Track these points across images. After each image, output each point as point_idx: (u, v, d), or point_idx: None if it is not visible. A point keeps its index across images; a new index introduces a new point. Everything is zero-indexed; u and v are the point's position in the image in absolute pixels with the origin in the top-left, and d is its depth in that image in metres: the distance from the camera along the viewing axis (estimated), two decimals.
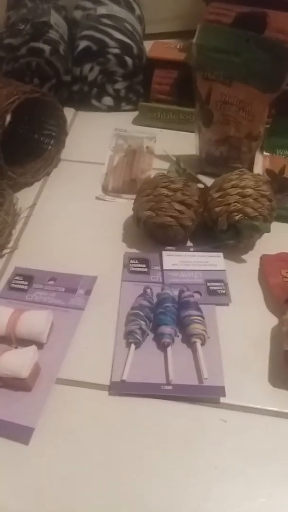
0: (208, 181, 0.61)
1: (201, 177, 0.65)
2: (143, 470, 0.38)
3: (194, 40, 0.57)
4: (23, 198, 0.64)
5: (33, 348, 0.43)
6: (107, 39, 0.75)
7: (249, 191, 0.52)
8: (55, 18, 0.78)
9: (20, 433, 0.39)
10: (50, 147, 0.69)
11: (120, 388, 0.43)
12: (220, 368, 0.44)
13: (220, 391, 0.42)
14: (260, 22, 0.68)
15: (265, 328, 0.48)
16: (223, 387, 0.43)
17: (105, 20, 0.77)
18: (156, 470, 0.38)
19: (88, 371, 0.45)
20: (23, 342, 0.45)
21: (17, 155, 0.67)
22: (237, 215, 0.52)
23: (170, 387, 0.43)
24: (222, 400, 0.42)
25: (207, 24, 0.63)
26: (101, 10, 0.80)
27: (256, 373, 0.44)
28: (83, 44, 0.75)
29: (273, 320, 0.49)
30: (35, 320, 0.45)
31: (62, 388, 0.43)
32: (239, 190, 0.52)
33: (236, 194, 0.52)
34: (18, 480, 0.38)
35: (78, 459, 0.39)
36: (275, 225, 0.57)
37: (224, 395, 0.42)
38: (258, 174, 0.56)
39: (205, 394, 0.42)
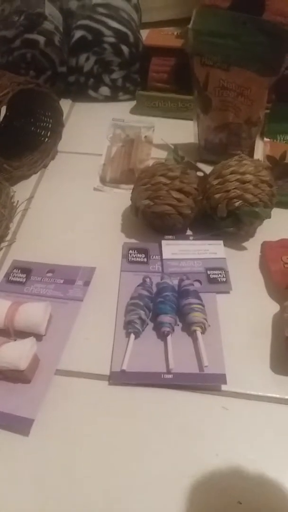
0: (208, 169, 0.60)
1: (200, 165, 0.64)
2: (144, 460, 0.38)
3: (190, 25, 0.56)
4: (21, 191, 0.63)
5: (31, 339, 0.42)
6: (102, 28, 0.74)
7: (249, 177, 0.51)
8: (49, 8, 0.77)
9: (20, 425, 0.39)
10: (47, 139, 0.68)
11: (120, 378, 0.42)
12: (221, 356, 0.44)
13: (221, 378, 0.42)
14: (258, 5, 0.67)
15: (266, 315, 0.48)
16: (224, 374, 0.42)
17: (101, 9, 0.76)
18: (158, 459, 0.38)
19: (88, 362, 0.44)
20: (22, 334, 0.45)
21: (14, 148, 0.67)
22: (237, 201, 0.51)
23: (170, 376, 0.42)
24: (223, 387, 0.42)
25: (204, 8, 0.62)
26: None
27: (257, 360, 0.44)
28: (78, 34, 0.74)
29: (274, 307, 0.48)
30: (33, 312, 0.45)
31: (61, 379, 0.43)
32: (239, 176, 0.51)
33: (235, 180, 0.51)
34: (18, 470, 0.37)
35: (78, 450, 0.38)
36: (276, 211, 0.56)
37: (225, 383, 0.42)
38: (258, 160, 0.55)
39: (206, 382, 0.42)
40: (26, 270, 0.52)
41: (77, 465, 0.38)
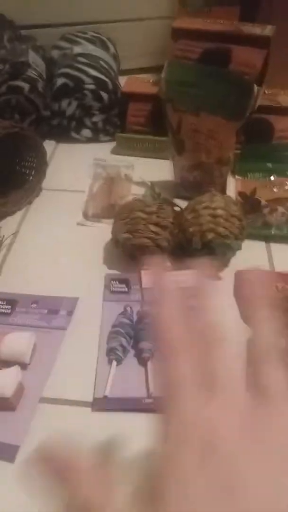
0: (184, 204, 0.64)
1: (177, 201, 0.69)
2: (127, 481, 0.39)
3: (162, 75, 0.61)
4: (6, 226, 0.66)
5: (16, 368, 0.44)
6: (83, 76, 0.79)
7: (220, 211, 0.55)
8: (33, 57, 0.83)
9: (5, 451, 0.40)
10: (31, 177, 0.72)
11: (103, 404, 0.44)
12: None
13: None
14: (225, 57, 0.74)
15: (241, 339, 0.50)
16: None
17: (81, 59, 0.82)
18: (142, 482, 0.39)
19: (72, 389, 0.46)
20: (7, 363, 0.46)
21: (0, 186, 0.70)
22: (210, 234, 0.55)
23: (150, 400, 0.44)
24: None
25: (174, 60, 0.68)
26: (77, 49, 0.85)
27: None
28: (60, 81, 0.80)
29: (248, 332, 0.51)
30: (17, 342, 0.47)
31: (46, 406, 0.44)
32: (211, 211, 0.55)
33: (207, 214, 0.55)
34: (4, 497, 0.38)
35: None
36: (248, 243, 0.60)
37: None
38: (228, 196, 0.59)
39: None
40: (12, 301, 0.54)
41: (62, 491, 0.39)
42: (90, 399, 0.45)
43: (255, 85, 0.58)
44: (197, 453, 0.20)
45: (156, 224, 0.55)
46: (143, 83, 0.83)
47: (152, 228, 0.55)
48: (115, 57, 0.92)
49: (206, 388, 0.21)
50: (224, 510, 0.18)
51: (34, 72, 0.80)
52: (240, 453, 0.19)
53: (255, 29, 0.75)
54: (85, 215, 0.68)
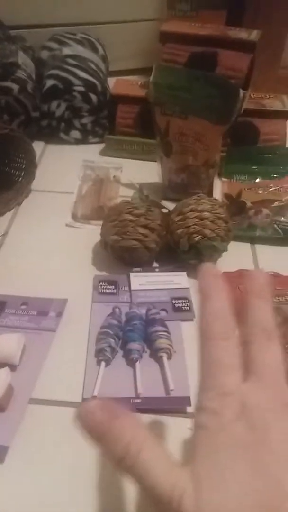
0: (172, 206, 0.65)
1: (165, 202, 0.70)
2: (117, 483, 0.40)
3: (150, 79, 0.62)
4: None
5: (6, 370, 0.45)
6: (72, 78, 0.80)
7: (206, 214, 0.56)
8: (22, 58, 0.83)
9: None
10: (20, 179, 0.72)
11: None
12: (186, 380, 0.47)
13: (186, 401, 0.45)
14: (211, 61, 0.75)
15: None
16: (189, 397, 0.45)
17: (70, 60, 0.82)
18: (129, 482, 0.40)
19: (61, 390, 0.46)
20: None
21: None
22: (197, 236, 0.56)
23: (139, 400, 0.45)
24: (188, 409, 0.45)
25: (162, 64, 0.69)
26: (66, 50, 0.85)
27: None
28: (49, 82, 0.80)
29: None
30: (6, 343, 0.47)
31: (35, 407, 0.45)
32: (197, 214, 0.56)
33: (194, 217, 0.56)
34: None
35: (53, 475, 0.40)
36: (234, 245, 0.61)
37: (189, 405, 0.45)
38: (214, 199, 0.60)
39: (172, 405, 0.45)
40: (0, 303, 0.55)
41: (52, 491, 0.39)
42: (79, 399, 0.46)
43: (241, 89, 0.59)
44: (234, 418, 0.23)
45: (145, 227, 0.56)
46: (132, 86, 0.83)
47: (141, 230, 0.56)
48: (104, 58, 0.92)
49: (248, 371, 0.26)
50: (251, 466, 0.22)
51: (23, 73, 0.80)
52: (273, 423, 0.23)
53: (241, 34, 0.76)
54: (74, 217, 0.68)
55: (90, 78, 0.80)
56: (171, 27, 0.80)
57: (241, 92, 0.58)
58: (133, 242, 0.56)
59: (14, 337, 0.48)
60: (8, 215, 0.69)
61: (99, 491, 0.39)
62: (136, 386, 0.46)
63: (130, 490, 0.39)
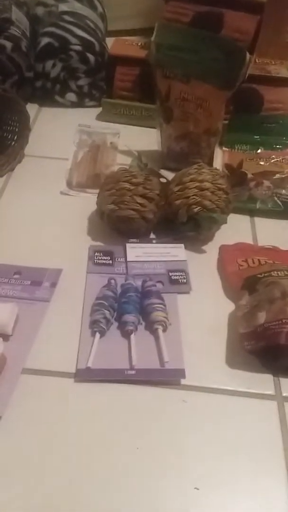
0: (170, 175, 0.63)
1: (163, 171, 0.67)
2: (109, 451, 0.40)
3: (152, 38, 0.59)
4: None
5: None
6: (69, 36, 0.75)
7: (207, 184, 0.54)
8: (16, 14, 0.78)
9: None
10: (13, 142, 0.69)
11: (85, 375, 0.45)
12: (181, 352, 0.46)
13: (180, 373, 0.45)
14: (217, 22, 0.71)
15: (223, 314, 0.51)
16: (183, 369, 0.45)
17: (67, 17, 0.78)
18: (121, 450, 0.40)
19: (54, 360, 0.46)
20: None
21: None
22: (196, 207, 0.54)
23: (133, 372, 0.45)
24: (182, 381, 0.45)
25: (165, 23, 0.65)
26: (63, 7, 0.80)
27: (214, 356, 0.47)
28: (45, 40, 0.76)
29: (230, 306, 0.52)
30: None
31: (28, 377, 0.44)
32: (197, 184, 0.54)
33: (194, 187, 0.54)
34: None
35: (45, 445, 0.40)
36: (233, 217, 0.60)
37: (184, 377, 0.45)
38: (216, 168, 0.58)
39: (166, 377, 0.45)
40: None
41: (45, 461, 0.39)
42: (72, 370, 0.45)
43: (248, 53, 0.56)
44: None
45: (143, 196, 0.54)
46: (131, 46, 0.79)
47: (138, 200, 0.54)
48: (103, 17, 0.87)
49: None
50: None
51: (17, 30, 0.75)
52: None
53: None
54: (69, 184, 0.66)
55: (88, 37, 0.76)
56: None
57: (248, 55, 0.55)
58: (130, 212, 0.54)
59: (7, 306, 0.47)
60: (0, 181, 0.67)
61: (92, 460, 0.39)
62: (131, 357, 0.45)
63: (122, 459, 0.39)
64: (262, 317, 0.45)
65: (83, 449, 0.40)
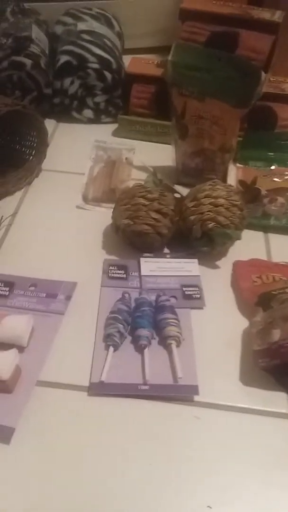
0: (185, 191, 0.64)
1: (177, 187, 0.68)
2: (121, 466, 0.40)
3: (169, 58, 0.60)
4: (5, 206, 0.65)
5: (14, 351, 0.44)
6: (87, 55, 0.77)
7: (221, 201, 0.55)
8: (36, 32, 0.81)
9: (1, 433, 0.41)
10: (31, 157, 0.71)
11: (99, 389, 0.45)
12: (194, 368, 0.46)
13: (193, 389, 0.45)
14: (232, 41, 0.72)
15: (237, 330, 0.51)
16: (197, 386, 0.45)
17: (85, 36, 0.80)
18: (133, 466, 0.40)
19: (68, 373, 0.46)
20: (4, 346, 0.46)
21: None
22: (210, 223, 0.55)
23: (146, 387, 0.45)
24: (195, 398, 0.45)
25: (181, 43, 0.66)
26: (81, 26, 0.83)
27: (228, 372, 0.47)
28: (63, 58, 0.78)
29: (244, 323, 0.51)
30: (15, 325, 0.47)
31: (42, 389, 0.45)
32: (212, 200, 0.55)
33: (209, 203, 0.55)
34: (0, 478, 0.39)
35: (58, 457, 0.40)
36: (247, 233, 0.60)
37: (197, 394, 0.44)
38: (230, 185, 0.59)
39: (179, 393, 0.45)
40: (9, 283, 0.54)
41: (57, 473, 0.39)
42: (86, 383, 0.45)
43: (263, 72, 0.57)
44: None
45: (157, 211, 0.55)
46: (147, 64, 0.81)
47: (153, 215, 0.54)
48: (120, 35, 0.90)
49: None
50: None
51: (37, 48, 0.78)
52: None
53: (264, 14, 0.73)
54: (85, 199, 0.67)
55: (105, 55, 0.78)
56: (192, 4, 0.77)
57: (263, 74, 0.56)
58: (145, 226, 0.55)
59: (23, 318, 0.47)
60: (18, 194, 0.68)
61: (104, 475, 0.39)
62: (144, 372, 0.46)
63: (134, 474, 0.39)
64: (276, 334, 0.45)
65: (95, 464, 0.40)
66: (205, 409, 0.44)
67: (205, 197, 0.55)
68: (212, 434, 0.42)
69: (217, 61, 0.58)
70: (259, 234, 0.63)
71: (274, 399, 0.45)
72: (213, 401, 0.45)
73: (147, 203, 0.55)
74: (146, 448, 0.41)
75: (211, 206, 0.55)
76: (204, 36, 0.74)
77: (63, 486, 0.39)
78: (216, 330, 0.51)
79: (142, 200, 0.55)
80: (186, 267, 0.57)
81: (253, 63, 0.60)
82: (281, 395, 0.45)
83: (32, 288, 0.54)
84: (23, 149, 0.72)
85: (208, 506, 0.38)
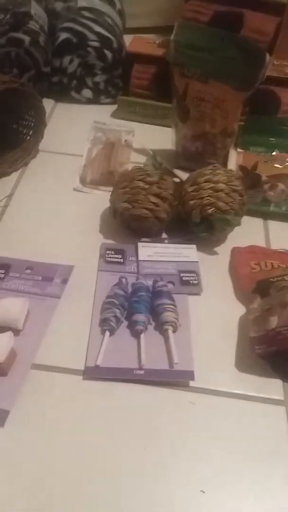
0: (184, 175, 0.63)
1: (177, 171, 0.67)
2: (115, 451, 0.40)
3: (172, 37, 0.58)
4: (1, 188, 0.64)
5: (9, 333, 0.44)
6: (87, 32, 0.75)
7: (222, 186, 0.54)
8: (35, 8, 0.78)
9: None
10: (28, 137, 0.69)
11: (94, 373, 0.44)
12: (190, 354, 0.46)
13: (189, 375, 0.45)
14: (237, 22, 0.71)
15: (234, 316, 0.51)
16: (193, 371, 0.45)
17: (86, 13, 0.78)
18: (127, 450, 0.40)
19: (63, 357, 0.46)
20: (0, 329, 0.46)
21: None
22: (210, 208, 0.54)
23: (142, 372, 0.45)
24: (191, 383, 0.45)
25: (185, 22, 0.64)
26: (82, 2, 0.80)
27: (224, 358, 0.47)
28: (63, 36, 0.76)
29: (241, 309, 0.51)
30: (11, 307, 0.46)
31: (37, 373, 0.45)
32: (212, 185, 0.54)
33: (209, 188, 0.54)
34: None
35: (52, 440, 0.40)
36: (246, 219, 0.59)
37: (193, 379, 0.44)
38: (231, 170, 0.58)
39: (175, 378, 0.45)
40: (5, 266, 0.53)
41: (51, 456, 0.39)
42: (81, 367, 0.45)
43: (267, 54, 0.55)
44: None
45: (157, 195, 0.54)
46: (149, 44, 0.79)
47: (152, 199, 0.54)
48: (121, 13, 0.87)
49: None
50: None
51: (35, 24, 0.75)
52: None
53: None
54: (82, 181, 0.66)
55: (106, 34, 0.76)
56: None
57: (268, 57, 0.54)
58: (144, 211, 0.54)
59: (19, 301, 0.47)
60: (14, 175, 0.67)
61: (98, 459, 0.39)
62: (140, 357, 0.45)
63: (129, 458, 0.39)
64: (274, 321, 0.44)
65: (89, 447, 0.40)
66: (200, 395, 0.44)
67: (205, 182, 0.54)
68: (206, 419, 0.42)
69: (221, 41, 0.56)
70: (259, 221, 0.63)
71: (269, 386, 0.45)
72: (208, 386, 0.45)
73: (146, 186, 0.54)
74: (140, 432, 0.41)
75: (211, 191, 0.54)
76: (207, 15, 0.72)
77: (57, 469, 0.39)
78: (213, 316, 0.50)
79: (141, 184, 0.54)
80: (184, 252, 0.56)
81: (258, 45, 0.58)
82: (276, 382, 0.45)
83: (28, 271, 0.53)
84: (20, 128, 0.70)
85: (201, 491, 0.38)
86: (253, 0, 0.71)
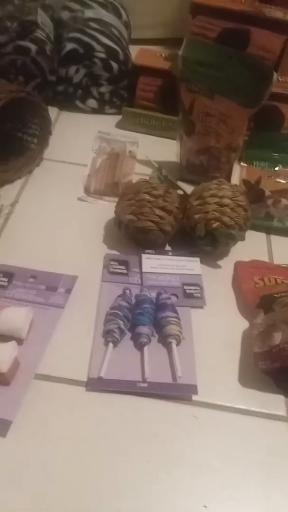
0: (188, 188, 0.63)
1: (181, 184, 0.68)
2: (118, 463, 0.40)
3: (180, 52, 0.59)
4: (5, 195, 0.64)
5: (13, 343, 0.44)
6: (94, 43, 0.76)
7: (227, 200, 0.54)
8: (42, 17, 0.79)
9: None
10: (33, 145, 0.70)
11: (97, 384, 0.44)
12: (193, 368, 0.46)
13: (192, 389, 0.45)
14: (244, 39, 0.72)
15: (237, 331, 0.51)
16: (196, 385, 0.45)
17: (93, 24, 0.78)
18: (129, 463, 0.40)
19: (67, 368, 0.46)
20: (3, 338, 0.46)
21: (0, 152, 0.67)
22: (215, 223, 0.54)
23: (145, 385, 0.45)
24: (194, 397, 0.45)
25: (193, 38, 0.65)
26: (89, 13, 0.81)
27: (227, 373, 0.47)
28: (69, 46, 0.76)
29: (244, 324, 0.51)
30: (15, 317, 0.46)
31: (40, 383, 0.44)
32: (217, 200, 0.54)
33: (214, 203, 0.54)
34: None
35: (54, 451, 0.40)
36: (249, 234, 0.60)
37: (196, 393, 0.44)
38: (236, 185, 0.58)
39: (178, 392, 0.45)
40: (8, 274, 0.53)
41: (53, 466, 0.39)
42: (84, 378, 0.45)
43: (274, 72, 0.56)
44: None
45: (162, 208, 0.54)
46: (155, 57, 0.80)
47: (158, 212, 0.54)
48: (127, 25, 0.88)
49: None
50: None
51: (42, 33, 0.76)
52: None
53: (277, 13, 0.72)
54: (87, 191, 0.66)
55: (113, 45, 0.77)
56: None
57: (275, 74, 0.55)
58: (149, 223, 0.54)
59: (23, 310, 0.47)
60: (19, 183, 0.67)
61: (100, 471, 0.39)
62: (144, 370, 0.45)
63: (131, 472, 0.39)
64: (278, 337, 0.45)
65: (92, 459, 0.40)
66: (203, 409, 0.44)
67: (210, 196, 0.55)
68: (209, 434, 0.42)
69: (228, 58, 0.57)
70: (262, 235, 0.63)
71: (272, 402, 0.45)
72: (211, 401, 0.45)
73: (152, 199, 0.54)
74: (143, 445, 0.41)
75: (217, 206, 0.54)
76: (215, 32, 0.73)
77: (59, 480, 0.38)
78: (216, 330, 0.51)
79: (147, 196, 0.54)
80: (188, 265, 0.57)
81: (265, 63, 0.59)
82: (279, 397, 0.45)
83: (32, 279, 0.53)
84: (25, 136, 0.70)
85: (204, 506, 0.38)
86: (260, 17, 0.72)
